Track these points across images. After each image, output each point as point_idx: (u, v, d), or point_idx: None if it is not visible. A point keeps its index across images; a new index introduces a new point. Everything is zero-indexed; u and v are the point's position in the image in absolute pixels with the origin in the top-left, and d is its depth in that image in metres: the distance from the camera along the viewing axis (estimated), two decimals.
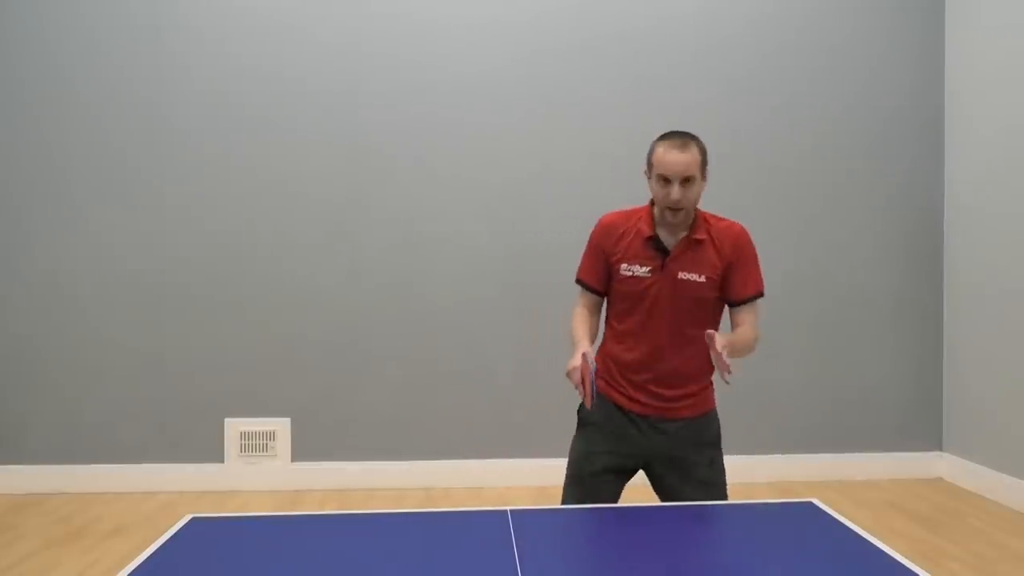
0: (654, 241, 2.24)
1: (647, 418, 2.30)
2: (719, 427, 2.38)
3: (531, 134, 4.63)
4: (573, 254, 4.56)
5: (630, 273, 2.25)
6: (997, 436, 4.31)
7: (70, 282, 4.49)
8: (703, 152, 2.21)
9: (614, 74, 4.65)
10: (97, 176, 4.50)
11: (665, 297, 2.23)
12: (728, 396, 4.66)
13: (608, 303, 2.37)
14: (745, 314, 2.29)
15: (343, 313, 4.57)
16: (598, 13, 4.64)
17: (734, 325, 2.30)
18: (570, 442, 2.47)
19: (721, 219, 2.30)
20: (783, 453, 4.71)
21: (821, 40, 4.73)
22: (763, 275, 4.66)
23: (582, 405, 2.40)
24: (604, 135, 4.64)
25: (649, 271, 2.23)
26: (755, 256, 2.30)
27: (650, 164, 2.23)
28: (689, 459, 2.31)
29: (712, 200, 4.65)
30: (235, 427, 4.53)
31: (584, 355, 2.05)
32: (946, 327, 4.77)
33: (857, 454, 4.73)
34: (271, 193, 4.55)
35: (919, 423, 4.77)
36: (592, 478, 2.31)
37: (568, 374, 2.11)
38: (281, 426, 4.55)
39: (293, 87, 4.55)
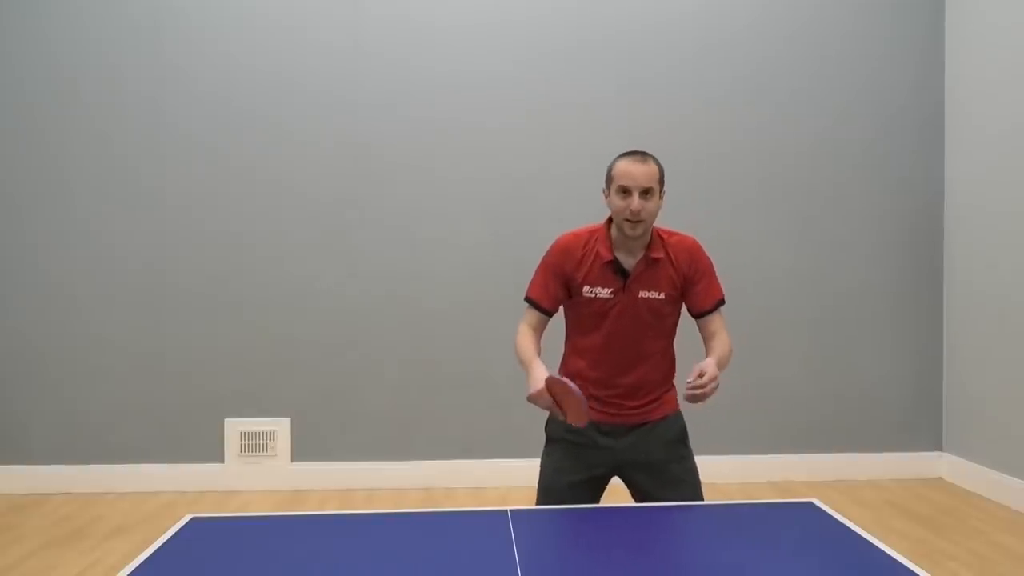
0: (614, 264, 2.28)
1: (614, 425, 2.33)
2: (684, 426, 2.42)
3: (531, 135, 4.63)
4: None
5: (592, 295, 2.29)
6: (997, 436, 4.31)
7: (70, 282, 4.49)
8: (661, 170, 2.27)
9: (614, 74, 4.65)
10: (97, 176, 4.50)
11: (627, 316, 2.29)
12: (728, 396, 4.65)
13: (569, 321, 2.41)
14: (715, 323, 2.36)
15: (343, 313, 4.57)
16: (597, 13, 4.64)
17: (707, 336, 2.36)
18: None
19: (673, 233, 2.36)
20: (783, 453, 4.71)
21: (821, 39, 4.73)
22: (761, 275, 4.69)
23: (549, 421, 2.43)
24: (604, 136, 4.63)
25: (611, 292, 2.28)
26: (711, 266, 2.37)
27: (610, 178, 2.28)
28: (659, 458, 2.34)
29: (713, 200, 4.65)
30: (235, 427, 4.53)
31: (561, 380, 2.04)
32: (946, 327, 4.76)
33: (857, 454, 4.73)
34: (271, 193, 4.55)
35: (919, 423, 4.77)
36: (564, 493, 2.32)
37: (533, 399, 2.11)
38: (281, 426, 4.54)
39: (293, 87, 4.55)
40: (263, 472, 4.53)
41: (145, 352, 4.51)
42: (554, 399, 2.09)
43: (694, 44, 4.68)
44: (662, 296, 2.30)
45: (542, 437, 2.51)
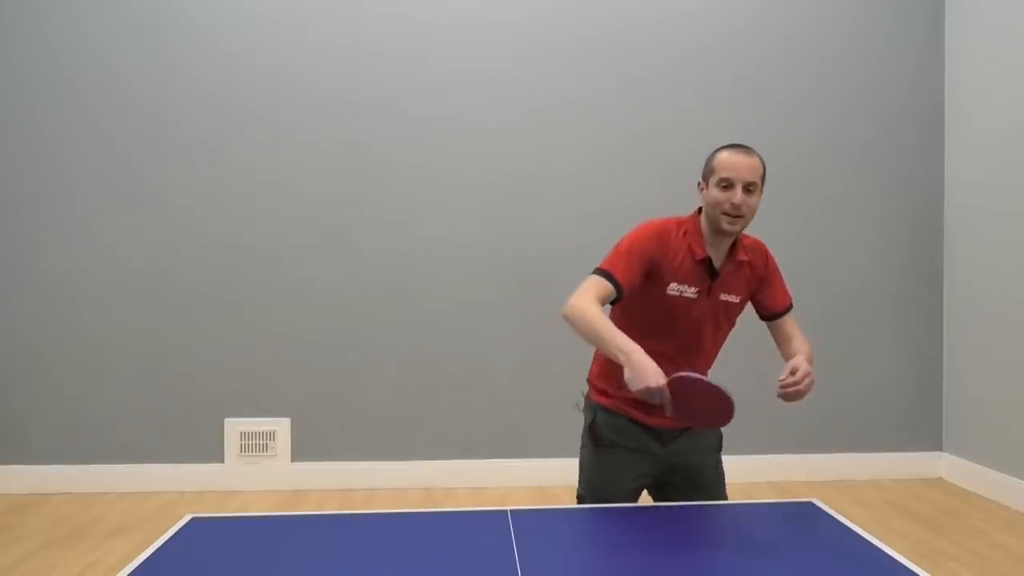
0: (706, 263, 2.17)
1: (663, 429, 2.26)
2: (721, 434, 2.40)
3: (531, 134, 4.63)
4: (573, 254, 4.56)
5: (677, 293, 2.14)
6: (997, 436, 4.31)
7: (70, 282, 4.49)
8: (764, 167, 2.15)
9: (614, 74, 4.65)
10: (97, 176, 4.50)
11: (705, 318, 2.20)
12: None
13: (630, 318, 2.19)
14: (789, 324, 2.33)
15: (343, 313, 4.57)
16: (597, 12, 4.64)
17: (783, 338, 2.32)
18: (574, 444, 2.44)
19: (745, 235, 2.27)
20: (783, 453, 4.71)
21: (821, 39, 4.73)
22: None
23: (595, 421, 2.30)
24: (604, 135, 4.63)
25: (696, 292, 2.17)
26: (778, 267, 2.35)
27: (710, 170, 2.13)
28: (701, 463, 2.32)
29: None
30: (235, 427, 4.53)
31: (711, 385, 1.85)
32: (946, 327, 4.76)
33: (857, 454, 4.73)
34: (271, 193, 4.55)
35: (919, 423, 4.77)
36: (625, 499, 2.28)
37: (647, 392, 1.86)
38: (281, 426, 4.54)
39: (293, 87, 4.55)
40: (263, 472, 4.53)
41: (145, 352, 4.51)
42: (672, 396, 1.90)
43: (694, 43, 4.68)
44: (738, 300, 2.23)
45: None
